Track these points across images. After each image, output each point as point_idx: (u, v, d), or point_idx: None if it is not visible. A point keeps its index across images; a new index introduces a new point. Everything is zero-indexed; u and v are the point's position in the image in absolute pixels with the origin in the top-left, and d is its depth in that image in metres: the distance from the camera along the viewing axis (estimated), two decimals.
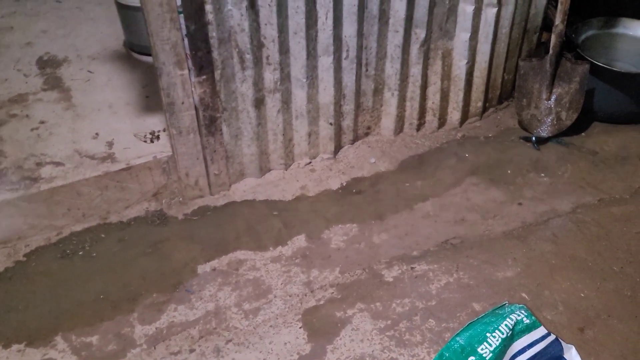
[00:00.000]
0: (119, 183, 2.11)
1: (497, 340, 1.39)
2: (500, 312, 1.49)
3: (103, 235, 2.06)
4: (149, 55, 2.64)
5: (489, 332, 1.38)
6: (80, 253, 1.99)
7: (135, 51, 2.70)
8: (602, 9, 2.64)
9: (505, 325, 1.42)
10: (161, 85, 1.94)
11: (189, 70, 1.92)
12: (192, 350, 1.65)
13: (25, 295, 1.85)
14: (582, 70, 2.32)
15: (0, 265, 1.95)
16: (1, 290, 1.86)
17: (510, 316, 1.46)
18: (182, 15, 1.81)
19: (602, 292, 1.77)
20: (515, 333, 1.45)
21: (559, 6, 2.24)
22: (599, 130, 2.50)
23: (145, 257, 1.98)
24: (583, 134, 2.47)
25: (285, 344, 1.65)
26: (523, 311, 1.51)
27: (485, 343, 1.37)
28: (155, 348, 1.67)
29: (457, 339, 1.39)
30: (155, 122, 2.29)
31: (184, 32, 1.84)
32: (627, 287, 1.78)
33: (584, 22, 2.55)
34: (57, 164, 2.09)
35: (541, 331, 1.51)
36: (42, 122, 2.30)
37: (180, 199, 2.20)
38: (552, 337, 1.52)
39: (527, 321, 1.48)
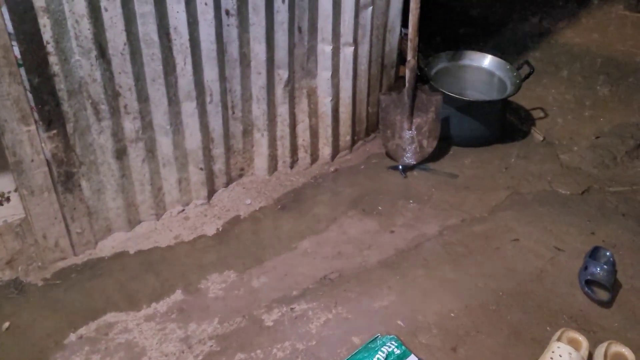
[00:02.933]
0: None
1: None
2: (372, 346, 1.51)
3: None
4: None
5: None
6: None
7: None
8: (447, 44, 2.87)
9: (377, 358, 1.44)
10: (5, 143, 1.78)
11: (37, 125, 1.79)
12: None
13: None
14: (436, 100, 2.49)
15: None
16: None
17: (382, 348, 1.48)
18: (22, 68, 1.69)
19: (470, 309, 1.86)
20: None
21: (409, 43, 2.40)
22: (458, 154, 2.68)
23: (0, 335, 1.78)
24: (443, 159, 2.64)
25: None
26: (394, 342, 1.54)
27: None
28: None
29: None
30: (5, 182, 2.10)
31: (27, 86, 1.72)
32: (491, 302, 1.89)
33: (435, 55, 2.75)
34: None
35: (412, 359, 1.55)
36: None
37: (39, 263, 2.02)
38: None
39: (398, 352, 1.52)
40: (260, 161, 2.44)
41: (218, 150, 2.28)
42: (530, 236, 2.19)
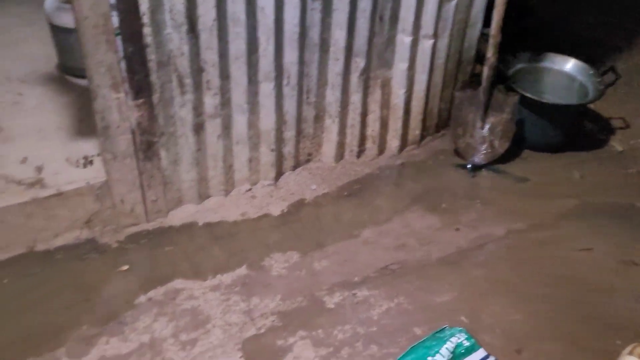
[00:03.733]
0: (48, 210, 2.00)
1: None
2: (441, 336, 1.51)
3: (29, 265, 1.94)
4: (84, 77, 2.57)
5: (430, 356, 1.39)
6: (4, 284, 1.87)
7: (69, 74, 2.61)
8: (530, 45, 2.80)
9: (446, 348, 1.44)
10: (96, 108, 1.88)
11: (126, 93, 1.87)
12: None
13: None
14: (513, 101, 2.44)
15: None
16: None
17: (451, 339, 1.48)
18: (119, 37, 1.77)
19: (531, 314, 1.83)
20: (455, 356, 1.47)
21: (491, 40, 2.36)
22: (529, 158, 2.62)
23: (74, 288, 1.88)
24: (514, 161, 2.58)
25: None
26: (463, 334, 1.53)
27: None
28: None
29: None
30: (89, 146, 2.21)
31: (121, 55, 1.80)
32: (553, 309, 1.85)
33: (514, 55, 2.69)
34: None
35: (481, 353, 1.54)
36: None
37: (114, 226, 2.12)
38: (491, 359, 1.55)
39: (467, 344, 1.51)
40: (329, 148, 2.47)
41: (289, 133, 2.31)
42: (599, 248, 2.12)
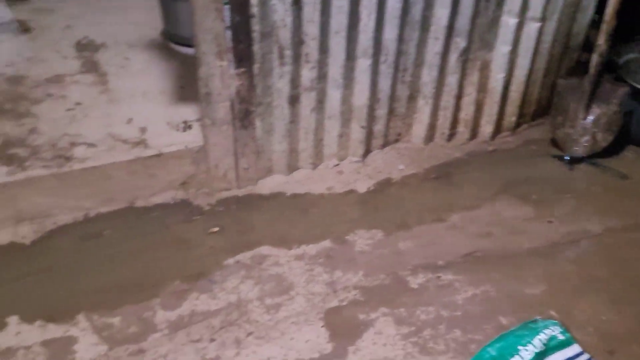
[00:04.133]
0: (149, 169, 2.12)
1: (530, 354, 1.36)
2: (533, 326, 1.47)
3: (128, 220, 2.07)
4: (187, 46, 2.68)
5: (521, 345, 1.36)
6: (105, 235, 2.00)
7: (173, 41, 2.72)
8: None
9: (539, 339, 1.40)
10: (200, 75, 1.95)
11: (229, 62, 1.93)
12: (212, 340, 1.65)
13: (49, 272, 1.86)
14: (621, 92, 2.29)
15: (26, 240, 1.97)
16: (25, 265, 1.87)
17: (544, 331, 1.43)
18: (227, 6, 1.82)
19: (624, 316, 1.73)
20: (548, 348, 1.42)
21: (603, 26, 2.22)
22: (633, 154, 2.46)
23: (169, 245, 1.98)
24: (617, 157, 2.43)
25: (307, 341, 1.64)
26: (557, 327, 1.48)
27: (517, 356, 1.35)
28: (176, 334, 1.67)
29: (488, 349, 1.37)
30: (188, 112, 2.31)
31: (228, 23, 1.86)
32: None
33: (626, 44, 2.52)
34: (90, 145, 2.11)
35: (575, 349, 1.48)
36: (77, 104, 2.32)
37: (207, 190, 2.21)
38: (585, 356, 1.49)
39: (562, 337, 1.46)
40: (419, 129, 2.43)
41: (381, 112, 2.30)
42: None
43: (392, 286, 1.82)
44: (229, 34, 1.87)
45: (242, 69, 1.96)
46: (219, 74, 1.94)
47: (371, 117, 2.29)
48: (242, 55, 1.93)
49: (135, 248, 1.96)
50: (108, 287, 1.82)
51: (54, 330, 1.68)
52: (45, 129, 2.17)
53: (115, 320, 1.72)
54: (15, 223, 2.00)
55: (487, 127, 2.49)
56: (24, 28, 2.77)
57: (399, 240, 2.03)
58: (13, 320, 1.70)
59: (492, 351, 1.38)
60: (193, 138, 2.16)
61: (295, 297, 1.79)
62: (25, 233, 1.99)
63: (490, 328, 1.65)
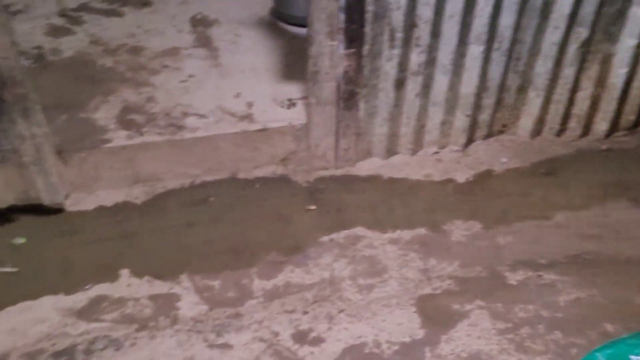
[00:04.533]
0: (253, 143, 2.19)
1: None
2: None
3: (231, 190, 2.16)
4: (295, 24, 2.72)
5: (634, 355, 1.28)
6: (209, 202, 2.10)
7: (281, 20, 2.77)
8: None
9: None
10: (310, 53, 1.98)
11: (339, 42, 1.94)
12: (305, 312, 1.69)
13: (157, 232, 1.99)
14: None
15: (138, 200, 2.11)
16: (136, 224, 2.01)
17: None
18: None
19: None
20: None
21: None
22: None
23: (267, 217, 2.05)
24: None
25: (399, 324, 1.64)
26: None
27: None
28: (271, 303, 1.73)
29: (597, 354, 1.31)
30: (293, 89, 2.35)
31: (342, 3, 1.86)
32: None
33: None
34: (201, 116, 2.21)
35: None
36: (190, 76, 2.43)
37: (306, 167, 2.25)
38: None
39: None
40: (526, 122, 2.33)
41: (489, 101, 2.23)
42: None
43: (488, 280, 1.78)
44: (342, 14, 1.88)
45: (352, 50, 1.96)
46: (329, 54, 1.96)
47: (477, 106, 2.22)
48: (353, 36, 1.93)
49: (236, 217, 2.04)
50: (210, 251, 1.92)
51: (160, 287, 1.80)
52: (161, 98, 2.29)
53: (215, 284, 1.81)
54: (130, 184, 2.15)
55: (601, 125, 2.34)
56: (144, 2, 2.93)
57: (498, 234, 1.97)
58: (124, 273, 1.84)
59: (601, 357, 1.31)
60: (296, 115, 2.20)
61: (388, 280, 1.80)
62: (138, 194, 2.14)
63: (594, 334, 1.57)
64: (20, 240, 1.93)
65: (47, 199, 2.03)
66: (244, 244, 1.94)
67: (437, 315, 1.67)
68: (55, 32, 2.69)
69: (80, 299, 1.75)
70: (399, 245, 1.93)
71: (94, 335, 1.64)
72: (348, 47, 1.95)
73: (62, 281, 1.80)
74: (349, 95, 2.07)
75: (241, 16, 2.86)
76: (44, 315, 1.70)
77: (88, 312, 1.71)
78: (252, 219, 2.04)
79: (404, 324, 1.64)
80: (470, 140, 2.33)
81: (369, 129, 2.19)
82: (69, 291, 1.77)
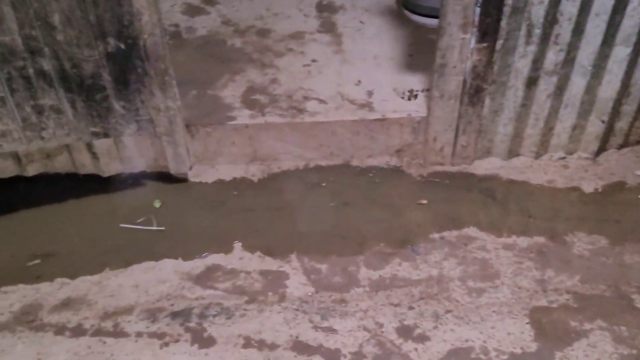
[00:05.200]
0: (370, 132, 2.18)
1: None
2: None
3: (344, 176, 2.17)
4: (422, 14, 2.66)
5: None
6: (323, 186, 2.13)
7: (407, 9, 2.73)
8: None
9: None
10: (439, 45, 1.93)
11: (472, 35, 1.88)
12: (411, 308, 1.68)
13: (271, 210, 2.05)
14: None
15: (255, 178, 2.19)
16: (251, 200, 2.09)
17: None
18: None
19: None
20: None
21: None
22: None
23: (378, 207, 2.04)
24: None
25: (509, 334, 1.58)
26: None
27: None
28: (376, 293, 1.73)
29: None
30: (414, 81, 2.31)
31: None
32: None
33: None
34: (321, 101, 2.24)
35: None
36: (313, 61, 2.47)
37: (421, 161, 2.21)
38: None
39: None
40: None
41: (629, 107, 2.05)
42: None
43: (613, 300, 1.66)
44: (478, 6, 1.81)
45: (484, 44, 1.89)
46: (459, 47, 1.90)
47: (615, 111, 2.05)
48: (487, 29, 1.86)
49: (347, 203, 2.06)
50: (319, 234, 1.95)
51: (270, 263, 1.86)
52: (284, 80, 2.35)
53: (323, 267, 1.84)
54: (248, 161, 2.24)
55: None
56: None
57: (626, 252, 1.82)
58: (237, 246, 1.93)
59: None
60: (416, 107, 2.17)
61: (500, 287, 1.73)
62: (254, 171, 2.22)
63: None
64: (158, 204, 2.08)
65: (174, 169, 2.17)
66: (353, 231, 1.95)
67: (552, 330, 1.58)
68: (192, 11, 2.84)
69: (197, 265, 1.86)
70: (514, 252, 1.85)
71: (208, 301, 1.73)
72: (480, 40, 1.88)
73: (182, 247, 1.92)
74: (475, 90, 2.00)
75: (367, 3, 2.85)
76: (165, 276, 1.82)
77: (203, 279, 1.81)
78: (362, 207, 2.05)
79: (514, 335, 1.57)
80: (602, 149, 2.16)
81: (492, 127, 2.10)
82: (187, 257, 1.88)
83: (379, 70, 2.40)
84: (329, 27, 2.69)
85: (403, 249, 1.89)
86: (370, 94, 2.27)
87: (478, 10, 1.82)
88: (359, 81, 2.34)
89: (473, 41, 1.89)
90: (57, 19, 1.74)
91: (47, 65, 1.81)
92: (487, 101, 2.03)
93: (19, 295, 1.76)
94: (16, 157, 2.14)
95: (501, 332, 1.58)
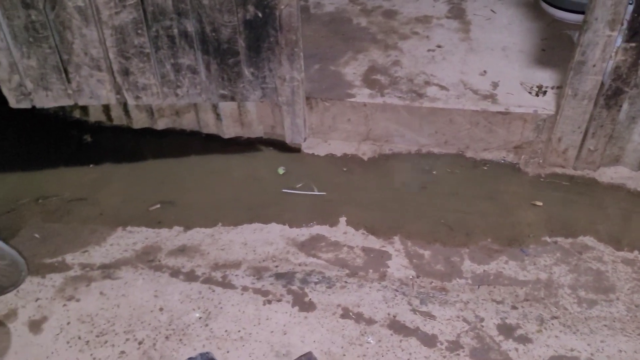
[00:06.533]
0: (490, 124, 2.12)
1: None
2: None
3: (456, 166, 2.14)
4: (560, 8, 2.53)
5: None
6: (434, 174, 2.11)
7: (545, 1, 2.60)
8: None
9: None
10: (579, 41, 1.82)
11: (619, 33, 1.75)
12: (514, 307, 1.63)
13: (377, 189, 2.07)
14: None
15: (365, 156, 2.21)
16: (359, 178, 2.11)
17: None
18: None
19: None
20: None
21: None
22: None
23: (489, 201, 1.99)
24: None
25: (620, 351, 1.49)
26: None
27: None
28: (478, 287, 1.70)
29: None
30: (544, 77, 2.21)
31: None
32: None
33: None
34: (442, 87, 2.21)
35: None
36: (438, 46, 2.43)
37: (540, 160, 2.12)
38: None
39: None
40: None
41: None
42: None
43: None
44: (631, 2, 1.69)
45: (632, 44, 1.76)
46: (603, 44, 1.79)
47: None
48: (638, 28, 1.73)
49: (457, 193, 2.03)
50: (425, 220, 1.94)
51: (373, 242, 1.88)
52: (406, 63, 2.34)
53: (426, 253, 1.83)
54: (360, 140, 2.26)
55: None
56: None
57: None
58: (342, 221, 1.96)
59: None
60: (544, 105, 2.07)
61: (614, 302, 1.64)
62: (365, 150, 2.24)
63: None
64: (281, 171, 2.17)
65: (289, 138, 2.25)
66: (460, 222, 1.92)
67: None
68: None
69: (303, 233, 1.92)
70: (634, 268, 1.73)
71: (311, 268, 1.79)
72: (628, 40, 1.75)
73: (290, 214, 1.99)
74: (614, 93, 1.87)
75: None
76: (272, 239, 1.90)
77: (308, 247, 1.87)
78: (472, 199, 2.01)
79: (627, 353, 1.48)
80: None
81: (626, 134, 1.97)
82: (293, 224, 1.95)
83: (506, 62, 2.31)
84: (457, 14, 2.63)
85: (511, 248, 1.83)
86: (495, 85, 2.20)
87: (630, 7, 1.70)
88: (484, 71, 2.27)
89: (619, 40, 1.77)
90: None
91: (190, 27, 1.92)
92: (625, 106, 1.90)
93: (141, 236, 1.92)
94: (150, 110, 2.31)
95: (612, 347, 1.50)
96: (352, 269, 1.78)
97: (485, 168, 2.12)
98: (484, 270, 1.76)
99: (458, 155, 2.19)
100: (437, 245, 1.86)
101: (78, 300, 1.69)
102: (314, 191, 2.04)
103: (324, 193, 2.05)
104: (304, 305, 1.67)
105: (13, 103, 2.04)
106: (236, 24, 1.92)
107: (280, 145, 2.27)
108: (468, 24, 2.56)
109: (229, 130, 2.30)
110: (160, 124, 2.34)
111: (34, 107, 2.08)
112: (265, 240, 1.90)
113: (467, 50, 2.39)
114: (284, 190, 2.06)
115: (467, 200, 2.01)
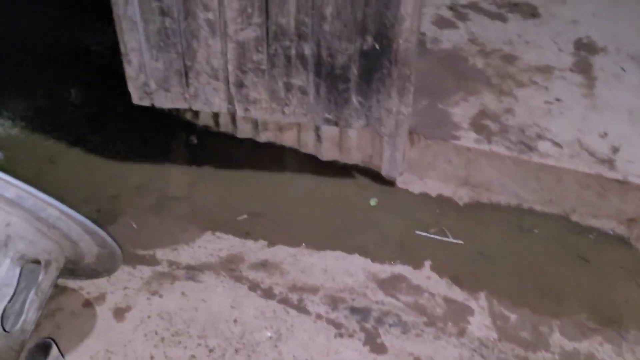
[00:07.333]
0: (602, 190, 1.97)
1: None
2: None
3: (557, 229, 2.01)
4: None
5: None
6: (534, 233, 2.00)
7: None
8: None
9: None
10: None
11: None
12: None
13: (471, 239, 1.98)
14: None
15: (461, 202, 2.13)
16: (452, 224, 2.04)
17: None
18: None
19: None
20: None
21: None
22: None
23: (590, 272, 1.86)
24: None
25: None
26: None
27: None
28: None
29: None
30: None
31: None
32: None
33: None
34: (556, 144, 2.09)
35: None
36: (557, 99, 2.31)
37: None
38: None
39: None
40: None
41: None
42: None
43: None
44: None
45: None
46: None
47: None
48: None
49: (555, 258, 1.90)
50: (515, 281, 1.84)
51: (457, 293, 1.80)
52: (520, 113, 2.23)
53: (512, 316, 1.73)
54: (459, 184, 2.19)
55: None
56: (533, 12, 2.87)
57: None
58: (427, 264, 1.90)
59: None
60: None
61: None
62: (462, 195, 2.16)
63: None
64: (373, 202, 2.15)
65: (386, 170, 2.22)
66: (554, 290, 1.80)
67: None
68: (441, 23, 2.84)
69: (385, 270, 1.88)
70: None
71: (388, 308, 1.74)
72: None
73: (374, 248, 1.95)
74: None
75: (635, 49, 2.56)
76: (353, 270, 1.88)
77: (387, 286, 1.82)
78: (572, 267, 1.87)
79: None
80: None
81: None
82: (377, 259, 1.91)
83: (632, 126, 2.15)
84: (583, 68, 2.48)
85: (608, 328, 1.68)
86: (615, 150, 2.05)
87: None
88: (605, 133, 2.12)
89: None
90: (329, 11, 1.87)
91: (307, 50, 1.96)
92: None
93: (227, 244, 1.96)
94: (255, 123, 2.38)
95: None
96: (430, 318, 1.72)
97: (591, 236, 1.97)
98: (574, 348, 1.63)
99: (562, 217, 2.05)
100: (525, 309, 1.75)
101: (161, 296, 1.76)
102: (448, 237, 1.98)
103: (461, 242, 1.97)
104: (376, 346, 1.62)
105: (136, 100, 2.17)
106: (352, 53, 1.93)
107: (375, 176, 2.25)
108: (593, 79, 2.41)
109: (327, 152, 2.31)
110: (262, 137, 2.40)
111: (152, 105, 2.20)
112: (346, 270, 1.88)
113: (589, 107, 2.25)
114: (417, 232, 2.01)
115: (565, 266, 1.88)
